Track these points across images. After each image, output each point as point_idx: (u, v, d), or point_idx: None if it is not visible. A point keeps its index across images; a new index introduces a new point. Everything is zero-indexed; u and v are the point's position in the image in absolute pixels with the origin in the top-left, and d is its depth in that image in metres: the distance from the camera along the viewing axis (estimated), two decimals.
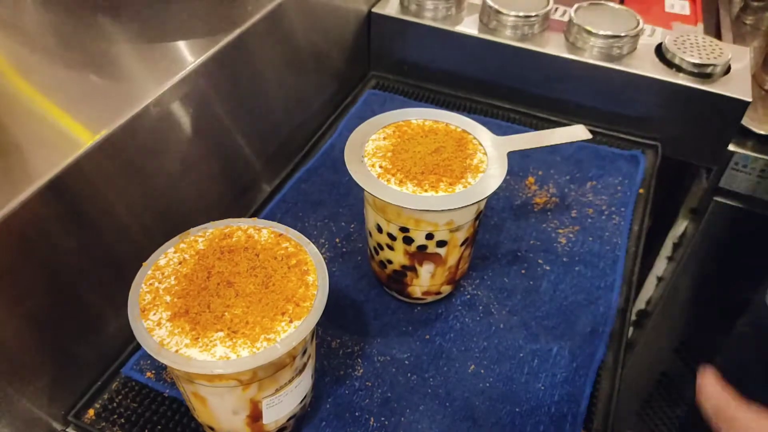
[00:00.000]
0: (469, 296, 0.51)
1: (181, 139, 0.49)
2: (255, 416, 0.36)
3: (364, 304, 0.51)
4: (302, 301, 0.34)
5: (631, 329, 0.85)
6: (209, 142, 0.53)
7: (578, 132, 0.51)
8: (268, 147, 0.61)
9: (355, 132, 0.46)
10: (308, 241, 0.38)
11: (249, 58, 0.55)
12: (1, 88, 0.45)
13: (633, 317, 0.93)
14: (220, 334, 0.32)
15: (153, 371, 0.45)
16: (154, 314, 0.33)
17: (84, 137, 0.40)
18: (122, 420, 0.43)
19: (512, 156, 0.46)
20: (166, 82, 0.46)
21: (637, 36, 0.66)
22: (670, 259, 0.86)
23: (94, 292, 0.44)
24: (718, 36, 0.79)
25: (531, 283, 0.53)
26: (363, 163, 0.43)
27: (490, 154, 0.44)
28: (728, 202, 0.71)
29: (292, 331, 0.33)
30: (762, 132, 0.66)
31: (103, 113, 0.43)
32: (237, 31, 0.52)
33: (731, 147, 0.66)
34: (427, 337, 0.48)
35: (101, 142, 0.41)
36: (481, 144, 0.45)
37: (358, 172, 0.43)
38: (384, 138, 0.45)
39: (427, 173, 0.42)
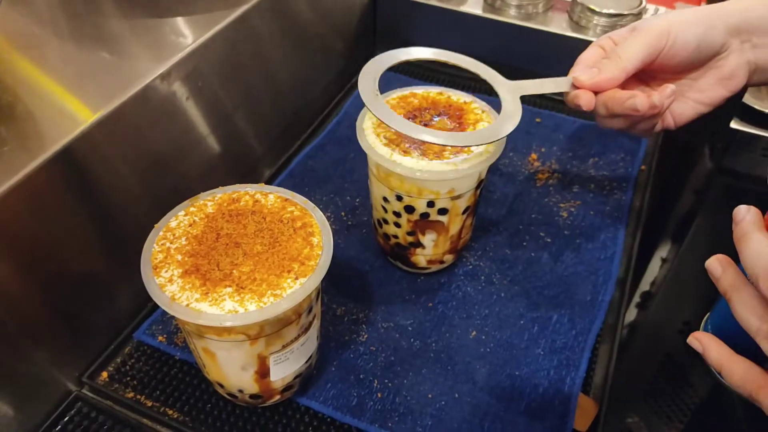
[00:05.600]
0: (471, 266, 0.52)
1: (186, 117, 0.51)
2: (263, 372, 0.38)
3: (369, 274, 0.52)
4: (307, 260, 0.36)
5: (635, 311, 0.86)
6: (214, 119, 0.54)
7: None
8: (274, 124, 0.63)
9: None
10: (313, 205, 0.40)
11: (253, 36, 0.56)
12: (15, 63, 0.46)
13: (637, 299, 0.94)
14: (229, 289, 0.34)
15: (164, 335, 0.47)
16: (166, 271, 0.35)
17: (85, 114, 0.42)
18: (135, 382, 0.45)
19: (515, 132, 0.47)
20: (169, 60, 0.47)
21: (640, 15, 0.67)
22: (674, 239, 0.86)
23: (105, 260, 0.45)
24: None
25: (532, 254, 0.54)
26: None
27: (504, 99, 0.45)
28: (731, 181, 0.71)
29: (298, 287, 0.34)
30: (765, 110, 0.66)
31: (107, 88, 0.44)
32: (241, 9, 0.53)
33: (733, 125, 0.66)
34: (430, 305, 0.49)
35: (105, 116, 0.42)
36: (483, 112, 0.46)
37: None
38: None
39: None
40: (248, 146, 0.60)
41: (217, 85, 0.53)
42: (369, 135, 0.44)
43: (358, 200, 0.59)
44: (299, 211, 0.39)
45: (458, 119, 0.45)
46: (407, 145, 0.43)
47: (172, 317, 0.48)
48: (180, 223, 0.38)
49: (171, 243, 0.37)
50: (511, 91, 0.46)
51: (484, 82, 0.73)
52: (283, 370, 0.39)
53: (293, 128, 0.66)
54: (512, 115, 0.44)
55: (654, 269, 0.92)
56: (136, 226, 0.45)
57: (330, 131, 0.66)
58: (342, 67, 0.73)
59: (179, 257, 0.36)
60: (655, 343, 0.98)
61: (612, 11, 0.66)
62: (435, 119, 0.46)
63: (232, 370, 0.38)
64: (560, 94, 0.72)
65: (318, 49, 0.68)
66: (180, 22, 0.52)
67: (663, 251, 0.90)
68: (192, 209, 0.39)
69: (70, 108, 0.43)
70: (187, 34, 0.50)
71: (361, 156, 0.62)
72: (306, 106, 0.68)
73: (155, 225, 0.38)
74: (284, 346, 0.37)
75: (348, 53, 0.74)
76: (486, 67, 0.48)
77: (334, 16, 0.69)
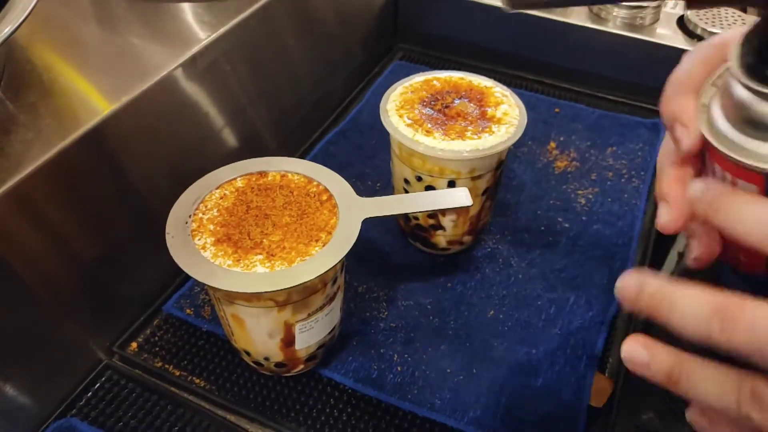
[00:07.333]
0: (489, 249, 0.54)
1: (207, 104, 0.52)
2: (288, 340, 0.39)
3: (390, 255, 0.53)
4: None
5: None
6: (234, 108, 0.55)
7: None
8: (293, 115, 0.64)
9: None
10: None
11: (273, 27, 0.57)
12: (52, 45, 0.48)
13: None
14: (260, 256, 0.35)
15: (192, 309, 0.48)
16: (199, 239, 0.36)
17: (103, 105, 0.43)
18: (163, 352, 0.47)
19: (534, 122, 0.48)
20: (192, 48, 0.49)
21: (659, 7, 0.68)
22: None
23: (136, 236, 0.47)
24: (744, 12, 0.80)
25: (550, 239, 0.55)
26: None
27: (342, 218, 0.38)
28: None
29: None
30: None
31: (128, 76, 0.45)
32: (262, 0, 0.55)
33: None
34: (449, 285, 0.51)
35: (130, 101, 0.44)
36: (505, 96, 0.47)
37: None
38: (412, 92, 0.48)
39: (453, 124, 0.45)
40: (267, 135, 0.61)
41: (237, 74, 0.55)
42: (392, 115, 0.46)
43: (378, 185, 0.60)
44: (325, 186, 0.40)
45: (479, 102, 0.47)
46: (429, 125, 0.44)
47: (200, 290, 0.50)
48: (211, 196, 0.39)
49: (204, 214, 0.38)
50: (358, 210, 0.38)
51: (505, 74, 0.75)
52: (308, 339, 0.40)
53: (311, 119, 0.67)
54: (346, 240, 0.36)
55: (670, 265, 0.92)
56: (163, 204, 0.47)
57: (352, 118, 0.68)
58: (362, 59, 0.75)
59: (211, 227, 0.37)
60: (670, 340, 0.98)
61: (632, 3, 0.66)
62: (456, 102, 0.47)
63: (259, 337, 0.39)
64: (578, 83, 0.73)
65: (338, 40, 0.69)
66: (203, 11, 0.54)
67: (680, 246, 0.90)
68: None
69: (97, 91, 0.44)
70: (212, 23, 0.52)
71: (382, 143, 0.63)
72: (326, 97, 0.69)
73: None
74: (310, 315, 0.38)
75: (368, 45, 0.75)
76: (339, 178, 0.41)
77: (355, 7, 0.70)
